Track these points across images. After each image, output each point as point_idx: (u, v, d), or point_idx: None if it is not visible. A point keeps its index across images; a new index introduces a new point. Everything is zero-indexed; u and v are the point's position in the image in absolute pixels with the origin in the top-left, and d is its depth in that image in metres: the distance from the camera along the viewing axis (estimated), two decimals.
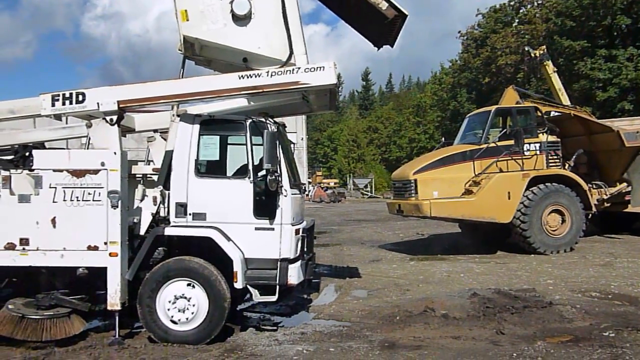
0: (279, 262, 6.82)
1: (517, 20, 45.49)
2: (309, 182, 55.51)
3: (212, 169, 7.67)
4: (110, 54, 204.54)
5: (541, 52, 18.03)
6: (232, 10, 7.06)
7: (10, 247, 6.58)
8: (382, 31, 8.24)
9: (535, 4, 44.08)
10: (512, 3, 45.91)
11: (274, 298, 6.92)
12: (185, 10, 7.12)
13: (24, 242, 6.59)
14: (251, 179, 6.86)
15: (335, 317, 8.18)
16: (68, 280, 6.88)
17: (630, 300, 8.62)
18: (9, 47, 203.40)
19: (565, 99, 17.65)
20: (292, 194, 7.05)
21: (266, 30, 7.19)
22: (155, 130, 8.17)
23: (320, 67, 6.85)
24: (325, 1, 8.62)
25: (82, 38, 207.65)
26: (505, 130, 14.61)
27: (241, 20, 7.12)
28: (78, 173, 6.62)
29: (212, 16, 7.11)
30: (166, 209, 6.96)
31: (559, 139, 14.95)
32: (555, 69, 18.35)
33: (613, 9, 30.74)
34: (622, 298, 8.80)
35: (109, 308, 6.64)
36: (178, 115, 7.21)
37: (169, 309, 6.69)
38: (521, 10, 45.45)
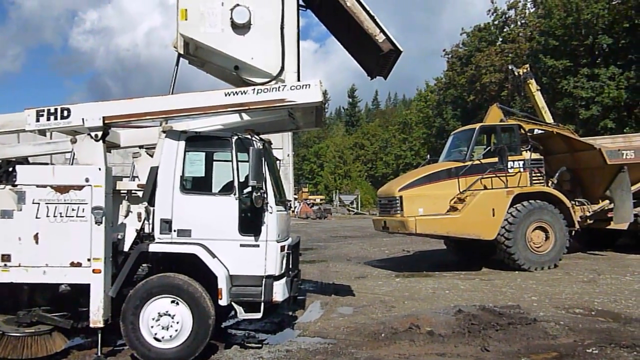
0: (264, 279, 6.79)
1: (501, 39, 46.05)
2: (295, 199, 55.40)
3: (198, 186, 7.65)
4: (98, 69, 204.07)
5: (525, 70, 18.27)
6: (231, 18, 7.11)
7: None
8: (377, 62, 8.33)
9: (519, 23, 44.73)
10: (496, 22, 46.52)
11: (258, 315, 6.87)
12: (186, 10, 7.16)
13: (6, 258, 6.50)
14: (237, 195, 6.84)
15: (321, 334, 8.14)
16: (50, 297, 6.80)
17: (614, 317, 8.69)
18: None
19: (548, 117, 17.86)
20: (278, 211, 7.04)
21: (262, 43, 7.24)
22: (140, 146, 8.14)
23: (306, 85, 6.90)
24: (326, 23, 8.70)
25: (70, 52, 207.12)
26: (489, 147, 14.79)
27: (239, 28, 7.18)
28: (62, 189, 6.57)
29: (211, 20, 7.15)
30: (151, 225, 6.91)
31: (542, 157, 15.16)
32: (539, 87, 18.58)
33: (595, 29, 31.24)
34: (605, 315, 8.86)
35: (91, 325, 6.55)
36: (164, 132, 7.20)
37: (152, 326, 6.61)
38: (505, 30, 46.04)
